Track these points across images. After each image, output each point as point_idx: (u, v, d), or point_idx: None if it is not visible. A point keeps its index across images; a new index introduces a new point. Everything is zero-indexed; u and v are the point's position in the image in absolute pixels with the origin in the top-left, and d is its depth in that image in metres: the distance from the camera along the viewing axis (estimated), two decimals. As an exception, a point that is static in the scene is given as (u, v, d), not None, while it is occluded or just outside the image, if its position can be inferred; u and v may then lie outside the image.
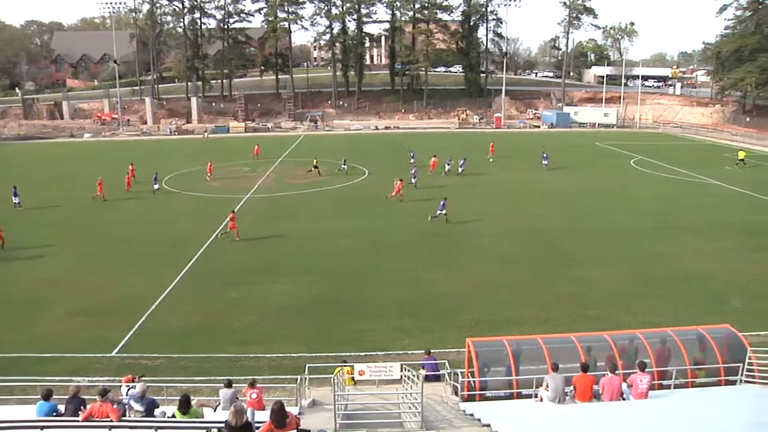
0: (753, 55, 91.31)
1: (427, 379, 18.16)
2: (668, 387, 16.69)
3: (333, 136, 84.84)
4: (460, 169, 54.35)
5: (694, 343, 18.14)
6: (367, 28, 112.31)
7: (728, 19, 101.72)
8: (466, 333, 19.54)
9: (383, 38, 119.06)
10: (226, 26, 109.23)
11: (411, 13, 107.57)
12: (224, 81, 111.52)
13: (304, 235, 35.73)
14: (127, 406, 12.16)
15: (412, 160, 57.33)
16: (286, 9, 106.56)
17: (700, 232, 36.79)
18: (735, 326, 18.78)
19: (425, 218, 38.75)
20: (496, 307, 25.52)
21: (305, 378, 17.49)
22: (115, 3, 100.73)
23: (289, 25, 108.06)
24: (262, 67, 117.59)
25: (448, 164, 55.06)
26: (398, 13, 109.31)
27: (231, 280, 28.69)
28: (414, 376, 16.94)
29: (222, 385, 15.17)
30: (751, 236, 36.13)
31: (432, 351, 19.83)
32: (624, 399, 14.53)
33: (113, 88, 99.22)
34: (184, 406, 11.88)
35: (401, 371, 18.26)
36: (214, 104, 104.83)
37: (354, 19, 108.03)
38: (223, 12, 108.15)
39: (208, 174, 52.36)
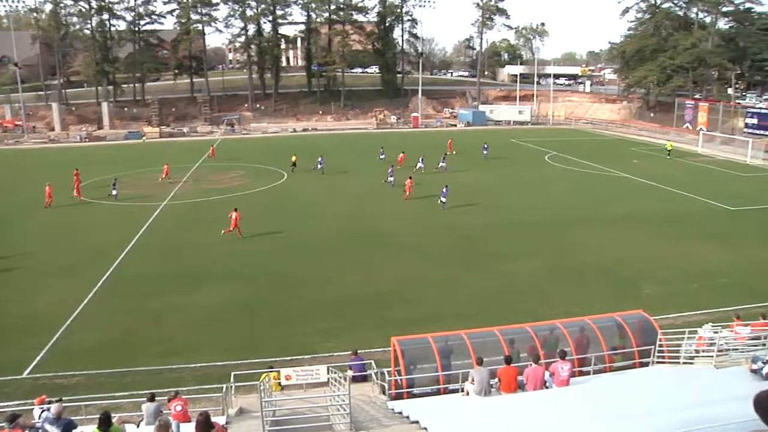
0: (653, 55, 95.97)
1: (354, 379, 18.17)
2: (588, 373, 17.33)
3: (250, 140, 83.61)
4: (442, 164, 55.75)
5: (611, 330, 18.90)
6: (282, 30, 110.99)
7: (630, 21, 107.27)
8: (391, 332, 19.63)
9: (299, 40, 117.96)
10: (136, 28, 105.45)
11: (326, 15, 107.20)
12: (137, 85, 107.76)
13: (226, 240, 35.07)
14: (41, 431, 11.58)
15: (382, 156, 60.62)
16: (199, 11, 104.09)
17: (611, 223, 38.37)
18: (646, 311, 19.70)
19: (347, 220, 38.77)
20: (420, 305, 25.81)
21: (231, 386, 17.17)
22: (13, 2, 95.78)
23: (202, 27, 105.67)
24: (176, 71, 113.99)
25: (421, 162, 55.49)
26: (314, 15, 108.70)
27: (150, 290, 27.82)
28: (341, 377, 16.91)
29: (144, 399, 14.72)
30: (658, 225, 38.02)
31: (359, 351, 19.87)
32: (547, 387, 14.96)
33: (15, 93, 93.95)
34: (105, 424, 11.32)
35: (328, 373, 18.19)
36: (126, 109, 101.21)
37: (269, 21, 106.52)
38: (133, 13, 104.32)
39: (165, 175, 52.16)
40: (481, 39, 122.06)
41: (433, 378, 17.10)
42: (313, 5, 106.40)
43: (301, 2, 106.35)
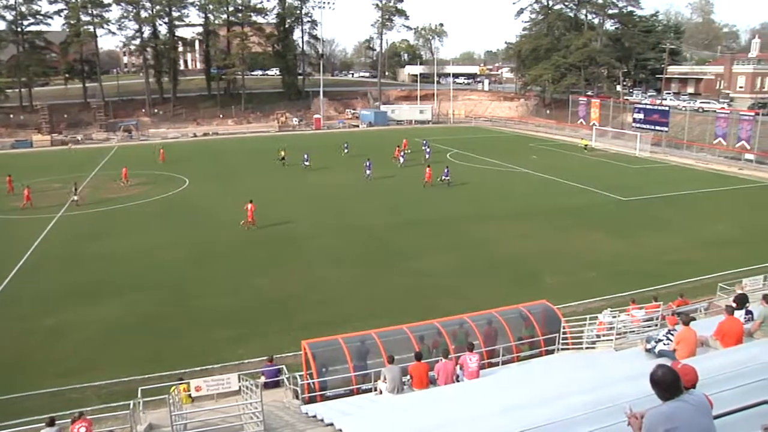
0: (548, 54, 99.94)
1: (267, 386, 17.88)
2: (497, 364, 17.77)
3: (149, 146, 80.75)
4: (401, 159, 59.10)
5: (517, 321, 19.47)
6: (179, 32, 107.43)
7: (525, 22, 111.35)
8: (301, 335, 19.45)
9: (197, 42, 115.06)
10: (19, 29, 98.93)
11: (225, 16, 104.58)
12: (22, 90, 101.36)
13: (126, 250, 33.69)
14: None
15: (346, 151, 64.43)
16: (89, 11, 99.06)
17: (514, 218, 39.62)
18: (550, 301, 20.43)
19: (250, 225, 38.18)
20: (329, 307, 25.72)
21: (139, 402, 16.47)
22: None
23: (94, 28, 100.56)
24: (67, 75, 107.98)
25: (403, 156, 60.27)
26: (211, 17, 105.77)
27: (45, 306, 26.30)
28: (252, 385, 16.60)
29: (43, 424, 13.90)
30: (557, 217, 39.58)
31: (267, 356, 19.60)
32: (458, 381, 15.21)
33: None
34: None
35: (239, 382, 17.81)
36: (12, 116, 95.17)
37: (165, 23, 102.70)
38: (14, 12, 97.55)
39: (125, 179, 51.63)
40: (381, 40, 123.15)
41: (346, 379, 17.08)
42: (211, 7, 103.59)
43: (198, 3, 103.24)
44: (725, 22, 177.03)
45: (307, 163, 57.90)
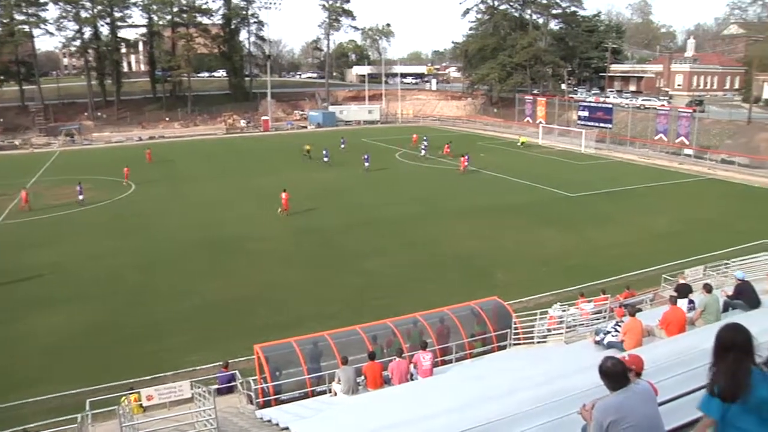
0: (494, 54, 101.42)
1: (220, 392, 17.66)
2: (450, 362, 17.95)
3: (93, 151, 78.76)
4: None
5: (469, 318, 19.69)
6: (122, 33, 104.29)
7: (471, 22, 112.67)
8: (254, 339, 19.22)
9: (141, 44, 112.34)
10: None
11: (169, 17, 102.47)
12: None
13: (73, 258, 32.75)
14: None
15: (342, 146, 66.90)
16: (24, 10, 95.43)
17: (463, 216, 40.00)
18: (501, 297, 20.71)
19: (201, 229, 37.60)
20: (282, 309, 25.57)
21: (87, 415, 16.03)
22: None
23: (30, 29, 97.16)
24: (2, 77, 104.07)
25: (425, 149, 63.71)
26: (155, 17, 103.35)
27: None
28: (205, 391, 16.37)
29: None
30: (507, 215, 40.18)
31: (221, 362, 19.35)
32: (413, 379, 15.31)
33: None
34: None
35: (192, 389, 17.54)
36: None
37: (107, 24, 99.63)
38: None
39: (126, 179, 52.05)
40: (329, 40, 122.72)
41: (300, 382, 17.00)
42: (155, 7, 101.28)
43: (142, 4, 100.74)
44: (663, 23, 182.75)
45: (326, 159, 59.71)
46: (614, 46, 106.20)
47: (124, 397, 16.89)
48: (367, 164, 56.48)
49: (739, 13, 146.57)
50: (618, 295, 23.09)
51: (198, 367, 20.65)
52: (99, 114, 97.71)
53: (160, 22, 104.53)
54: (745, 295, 16.03)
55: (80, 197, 44.76)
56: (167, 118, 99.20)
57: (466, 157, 56.01)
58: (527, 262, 30.94)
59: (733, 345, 4.73)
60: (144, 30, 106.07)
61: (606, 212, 40.86)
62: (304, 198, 44.60)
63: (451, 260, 31.44)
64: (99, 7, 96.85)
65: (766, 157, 56.63)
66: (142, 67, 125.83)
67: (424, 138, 67.47)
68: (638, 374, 6.97)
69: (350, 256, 32.44)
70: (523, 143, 72.22)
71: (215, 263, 31.68)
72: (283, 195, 40.91)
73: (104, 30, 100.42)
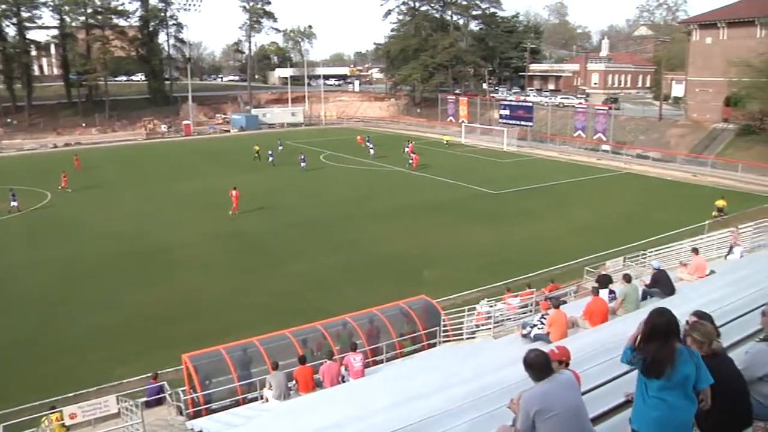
0: (416, 54, 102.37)
1: (148, 405, 17.15)
2: (381, 362, 18.01)
3: (2, 159, 75.04)
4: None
5: (398, 318, 19.81)
6: (31, 35, 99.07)
7: (393, 23, 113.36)
8: (182, 349, 18.73)
9: (53, 46, 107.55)
10: None
11: (83, 19, 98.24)
12: None
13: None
14: None
15: (280, 148, 66.73)
16: None
17: (390, 215, 40.25)
18: (429, 295, 20.92)
19: (124, 238, 36.41)
20: (209, 317, 25.03)
21: (2, 440, 15.28)
22: None
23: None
24: None
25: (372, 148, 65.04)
26: (68, 18, 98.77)
27: None
28: (132, 405, 15.87)
29: None
30: (433, 213, 40.64)
31: (150, 374, 18.80)
32: (344, 381, 15.28)
33: None
34: None
35: (118, 403, 16.97)
36: None
37: (14, 24, 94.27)
38: None
39: (63, 185, 50.11)
40: (250, 42, 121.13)
41: (231, 390, 16.72)
42: (66, 8, 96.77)
43: (52, 4, 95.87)
44: (579, 24, 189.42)
45: (271, 159, 60.49)
46: (533, 46, 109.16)
47: (44, 418, 16.17)
48: (303, 164, 57.54)
49: (648, 15, 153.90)
50: (543, 289, 23.68)
51: (124, 381, 19.99)
52: (9, 120, 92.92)
53: (73, 24, 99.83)
54: (661, 284, 16.76)
55: (13, 204, 43.22)
56: (84, 124, 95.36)
57: (416, 156, 58.35)
58: (454, 260, 31.36)
59: (660, 327, 5.19)
60: (56, 32, 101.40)
61: (529, 208, 41.90)
62: (230, 203, 43.93)
63: (379, 260, 31.54)
64: (3, 6, 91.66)
65: (676, 151, 59.41)
66: (55, 71, 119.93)
67: (367, 138, 68.66)
68: (567, 365, 7.16)
69: (278, 259, 32.09)
70: (447, 142, 73.34)
71: (140, 273, 30.67)
72: (234, 193, 41.17)
73: (10, 31, 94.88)
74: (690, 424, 5.27)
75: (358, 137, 75.27)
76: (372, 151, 64.98)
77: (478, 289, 26.53)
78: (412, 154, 59.08)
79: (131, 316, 25.45)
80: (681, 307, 8.28)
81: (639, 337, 5.36)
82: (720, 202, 38.19)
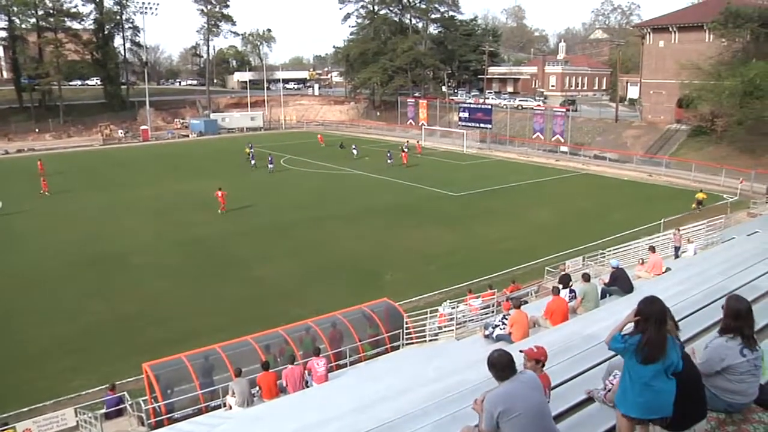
0: (375, 58, 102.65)
1: (108, 416, 16.80)
2: (344, 366, 17.95)
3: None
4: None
5: (361, 321, 19.79)
6: None
7: (352, 26, 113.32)
8: (142, 358, 18.39)
9: (2, 48, 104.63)
10: None
11: (34, 21, 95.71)
12: None
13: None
14: None
15: (250, 151, 64.26)
16: None
17: (349, 218, 40.23)
18: (391, 298, 20.93)
19: (77, 245, 35.63)
20: (169, 325, 24.59)
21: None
22: None
23: None
24: None
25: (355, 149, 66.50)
26: (17, 20, 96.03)
27: None
28: (91, 417, 15.53)
29: None
30: (394, 216, 40.74)
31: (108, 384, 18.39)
32: (308, 386, 15.19)
33: None
34: None
35: (76, 416, 16.59)
36: None
37: None
38: None
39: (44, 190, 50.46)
40: (208, 46, 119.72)
41: (193, 398, 16.49)
42: (15, 9, 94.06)
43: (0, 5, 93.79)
44: (536, 27, 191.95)
45: (271, 166, 59.70)
46: (491, 49, 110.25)
47: (-3, 435, 15.73)
48: (271, 166, 59.08)
49: (603, 19, 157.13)
50: (504, 289, 23.92)
51: (82, 393, 19.49)
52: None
53: (23, 26, 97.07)
54: (619, 282, 17.07)
55: None
56: (37, 130, 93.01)
57: (406, 152, 61.72)
58: (415, 262, 31.44)
59: (654, 314, 5.47)
60: (4, 33, 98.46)
61: (490, 209, 42.28)
62: (190, 209, 43.45)
63: (341, 263, 31.46)
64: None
65: (632, 152, 60.62)
66: (5, 74, 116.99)
67: (354, 146, 68.93)
68: (543, 364, 7.25)
69: (238, 265, 31.75)
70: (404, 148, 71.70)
71: (97, 281, 29.98)
72: (219, 193, 42.61)
73: None
74: (671, 405, 5.53)
75: (319, 136, 77.38)
76: (355, 152, 66.39)
77: (440, 291, 26.65)
78: (401, 153, 61.51)
79: (89, 325, 24.86)
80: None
81: (633, 325, 5.57)
82: (700, 195, 39.92)
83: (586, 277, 16.37)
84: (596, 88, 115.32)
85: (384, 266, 30.83)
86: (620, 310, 13.07)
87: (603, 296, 16.78)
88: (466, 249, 33.49)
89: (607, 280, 17.63)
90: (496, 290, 23.40)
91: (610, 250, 27.98)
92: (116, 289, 28.95)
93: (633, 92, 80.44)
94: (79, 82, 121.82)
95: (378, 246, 34.41)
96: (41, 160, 62.27)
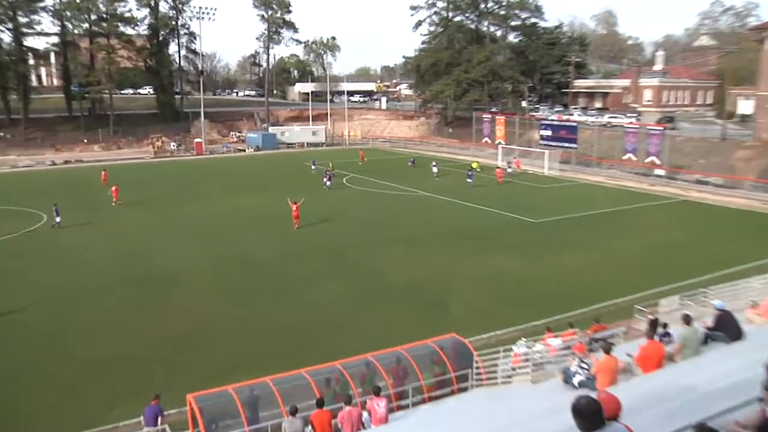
0: (448, 69, 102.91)
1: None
2: (407, 407, 17.76)
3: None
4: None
5: (426, 358, 19.57)
6: (29, 42, 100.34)
7: (424, 35, 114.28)
8: (187, 387, 18.63)
9: (53, 54, 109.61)
10: None
11: (86, 26, 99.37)
12: None
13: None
14: None
15: (313, 168, 69.27)
16: None
17: (415, 243, 40.22)
18: (459, 333, 20.67)
19: (123, 262, 36.70)
20: (216, 351, 24.90)
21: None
22: None
23: None
24: None
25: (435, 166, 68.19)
26: (69, 25, 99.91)
27: None
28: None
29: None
30: (463, 242, 40.48)
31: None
32: (365, 428, 15.09)
33: None
34: None
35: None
36: None
37: (9, 30, 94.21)
38: None
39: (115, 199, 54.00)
40: (268, 55, 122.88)
41: (240, 435, 16.59)
42: (68, 13, 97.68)
43: (53, 9, 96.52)
44: (629, 35, 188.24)
45: (329, 183, 61.40)
46: (578, 59, 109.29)
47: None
48: (328, 183, 60.72)
49: (711, 23, 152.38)
50: (587, 329, 23.30)
51: (121, 424, 19.90)
52: (3, 134, 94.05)
53: (75, 31, 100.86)
54: (725, 326, 16.29)
55: (57, 219, 45.42)
56: (85, 140, 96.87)
57: (501, 170, 64.68)
58: (486, 293, 31.03)
59: None
60: (56, 39, 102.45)
61: (572, 238, 41.50)
62: (244, 226, 44.30)
63: (402, 291, 31.34)
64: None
65: (743, 176, 58.48)
66: (55, 82, 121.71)
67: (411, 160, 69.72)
68: (613, 418, 6.96)
69: (291, 287, 32.05)
70: (476, 168, 69.66)
71: (140, 301, 30.76)
72: (294, 206, 44.16)
73: (6, 37, 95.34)
74: None
75: (360, 151, 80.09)
76: (435, 170, 67.46)
77: (515, 327, 26.16)
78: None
79: (131, 348, 25.39)
80: (750, 355, 8.05)
81: None
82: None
83: (687, 320, 15.74)
84: (699, 102, 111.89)
85: (452, 296, 30.57)
86: (726, 360, 12.53)
87: (705, 342, 16.12)
88: (545, 282, 32.85)
89: (710, 324, 16.92)
90: (578, 330, 22.85)
91: (713, 289, 26.95)
92: (161, 310, 29.57)
93: (745, 107, 77.85)
94: (131, 91, 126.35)
95: (445, 274, 34.15)
96: (106, 170, 65.09)
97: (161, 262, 37.19)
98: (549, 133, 77.53)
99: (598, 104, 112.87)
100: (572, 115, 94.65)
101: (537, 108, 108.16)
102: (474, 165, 70.41)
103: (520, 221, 46.51)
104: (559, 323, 25.53)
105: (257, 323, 27.77)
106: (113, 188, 54.57)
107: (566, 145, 74.37)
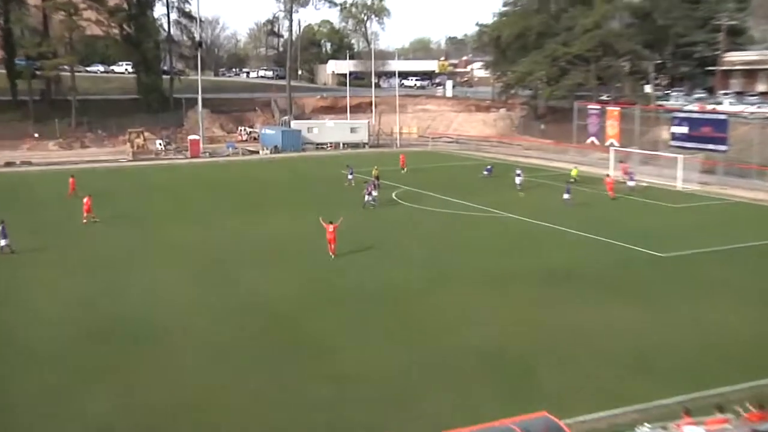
0: (540, 41, 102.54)
1: None
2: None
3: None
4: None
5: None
6: None
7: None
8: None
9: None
10: None
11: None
12: None
13: None
14: None
15: (350, 177, 72.10)
16: None
17: (490, 284, 40.02)
18: (553, 411, 20.27)
19: (93, 307, 37.01)
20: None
21: None
22: None
23: None
24: None
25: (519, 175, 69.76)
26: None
27: None
28: None
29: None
30: (557, 283, 39.99)
31: None
32: None
33: None
34: None
35: None
36: None
37: None
38: None
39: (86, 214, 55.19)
40: (291, 21, 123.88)
41: None
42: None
43: None
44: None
45: (368, 198, 62.15)
46: (732, 22, 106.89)
47: None
48: (368, 198, 61.61)
49: None
50: (745, 415, 22.63)
51: None
52: None
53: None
54: None
55: (2, 243, 46.95)
56: (36, 134, 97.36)
57: (612, 180, 65.83)
58: (592, 357, 30.51)
59: None
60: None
61: (719, 279, 40.89)
62: (252, 259, 44.48)
63: (476, 355, 30.90)
64: None
65: None
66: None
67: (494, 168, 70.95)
68: None
69: (317, 348, 31.86)
70: (575, 179, 70.96)
71: (108, 363, 30.76)
72: (330, 228, 45.06)
73: None
74: None
75: (401, 156, 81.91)
76: (518, 180, 68.63)
77: (633, 407, 25.55)
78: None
79: (97, 429, 25.40)
80: None
81: None
82: None
83: None
84: None
85: (542, 360, 30.08)
86: None
87: None
88: (679, 342, 32.17)
89: None
90: (730, 415, 22.16)
91: None
92: (143, 374, 29.39)
93: None
94: (101, 68, 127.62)
95: (536, 329, 33.69)
96: (74, 176, 66.54)
97: (141, 308, 37.16)
98: (685, 129, 76.49)
99: (761, 87, 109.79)
100: (721, 103, 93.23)
101: (668, 95, 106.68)
102: (573, 173, 70.00)
103: (640, 255, 46.02)
104: (701, 404, 24.82)
105: (268, 399, 27.39)
106: (85, 200, 55.21)
107: (711, 147, 73.27)
